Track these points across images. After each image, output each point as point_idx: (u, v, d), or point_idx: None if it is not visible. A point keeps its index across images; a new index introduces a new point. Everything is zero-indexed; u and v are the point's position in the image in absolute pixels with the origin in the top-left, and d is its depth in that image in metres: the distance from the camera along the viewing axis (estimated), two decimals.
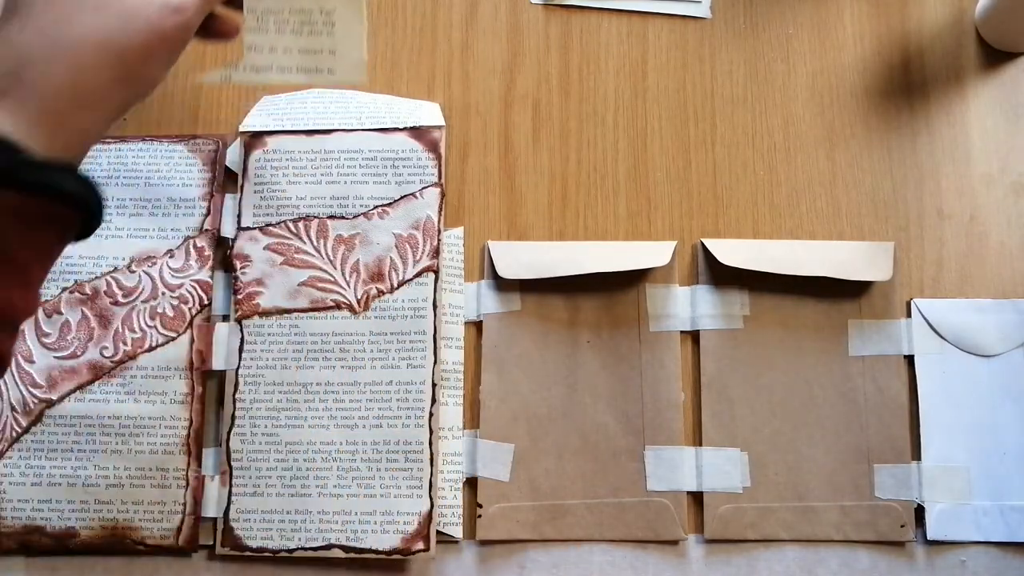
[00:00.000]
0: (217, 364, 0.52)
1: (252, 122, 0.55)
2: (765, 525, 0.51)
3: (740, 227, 0.56)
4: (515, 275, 0.54)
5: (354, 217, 0.53)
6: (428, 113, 0.56)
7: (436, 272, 0.52)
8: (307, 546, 0.50)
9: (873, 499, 0.51)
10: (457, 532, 0.51)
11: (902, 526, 0.51)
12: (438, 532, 0.50)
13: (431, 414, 0.51)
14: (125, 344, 0.52)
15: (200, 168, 0.55)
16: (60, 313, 0.53)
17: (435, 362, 0.51)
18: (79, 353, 0.52)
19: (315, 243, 0.53)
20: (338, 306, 0.52)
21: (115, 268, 0.53)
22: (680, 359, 0.53)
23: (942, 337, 0.53)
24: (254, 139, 0.55)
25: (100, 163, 0.55)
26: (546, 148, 0.57)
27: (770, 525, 0.51)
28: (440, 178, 0.54)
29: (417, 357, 0.51)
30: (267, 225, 0.54)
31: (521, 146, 0.57)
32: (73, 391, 0.51)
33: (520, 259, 0.54)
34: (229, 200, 0.55)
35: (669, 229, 0.55)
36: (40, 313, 0.53)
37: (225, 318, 0.53)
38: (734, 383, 0.53)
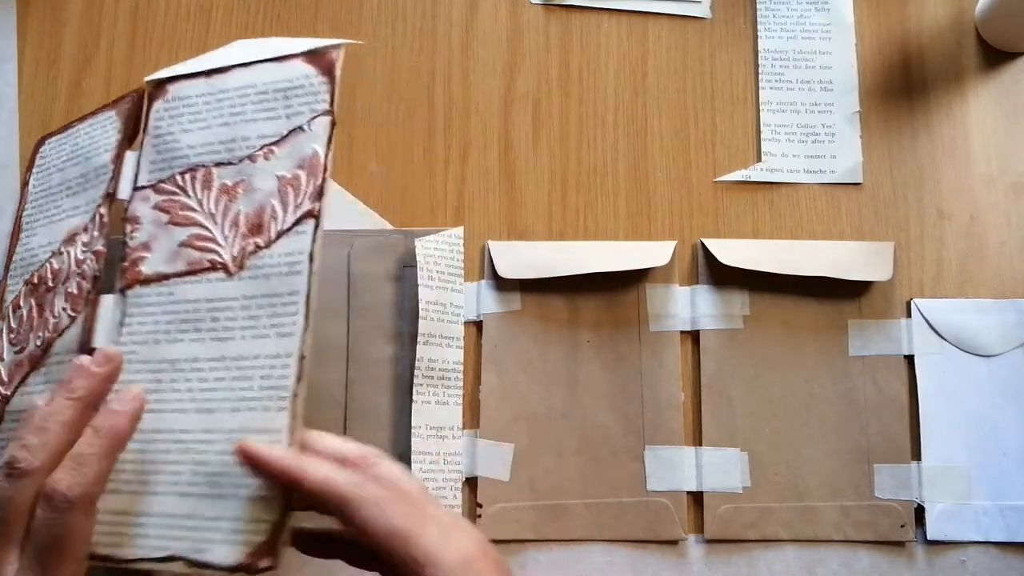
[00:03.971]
0: (98, 340, 0.45)
1: (161, 72, 0.49)
2: (765, 525, 0.51)
3: (740, 227, 0.55)
4: (515, 275, 0.54)
5: (240, 162, 0.46)
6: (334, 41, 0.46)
7: (317, 218, 0.43)
8: (149, 556, 0.39)
9: (873, 499, 0.51)
10: None
11: (902, 526, 0.51)
12: None
13: (295, 394, 0.40)
14: (48, 331, 0.47)
15: (118, 129, 0.49)
16: (20, 307, 0.49)
17: (306, 329, 0.41)
18: (25, 345, 0.48)
19: (199, 196, 0.46)
20: (213, 266, 0.45)
21: (52, 252, 0.49)
22: (680, 359, 0.53)
23: (942, 337, 0.53)
24: (157, 89, 0.48)
25: (64, 151, 0.52)
26: (546, 148, 0.57)
27: (770, 525, 0.51)
28: (332, 104, 0.45)
29: (287, 324, 0.42)
30: (159, 182, 0.47)
31: (521, 146, 0.57)
32: (19, 385, 0.47)
33: (520, 259, 0.54)
34: (130, 159, 0.48)
35: (669, 229, 0.55)
36: (9, 309, 0.50)
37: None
38: (734, 383, 0.53)
